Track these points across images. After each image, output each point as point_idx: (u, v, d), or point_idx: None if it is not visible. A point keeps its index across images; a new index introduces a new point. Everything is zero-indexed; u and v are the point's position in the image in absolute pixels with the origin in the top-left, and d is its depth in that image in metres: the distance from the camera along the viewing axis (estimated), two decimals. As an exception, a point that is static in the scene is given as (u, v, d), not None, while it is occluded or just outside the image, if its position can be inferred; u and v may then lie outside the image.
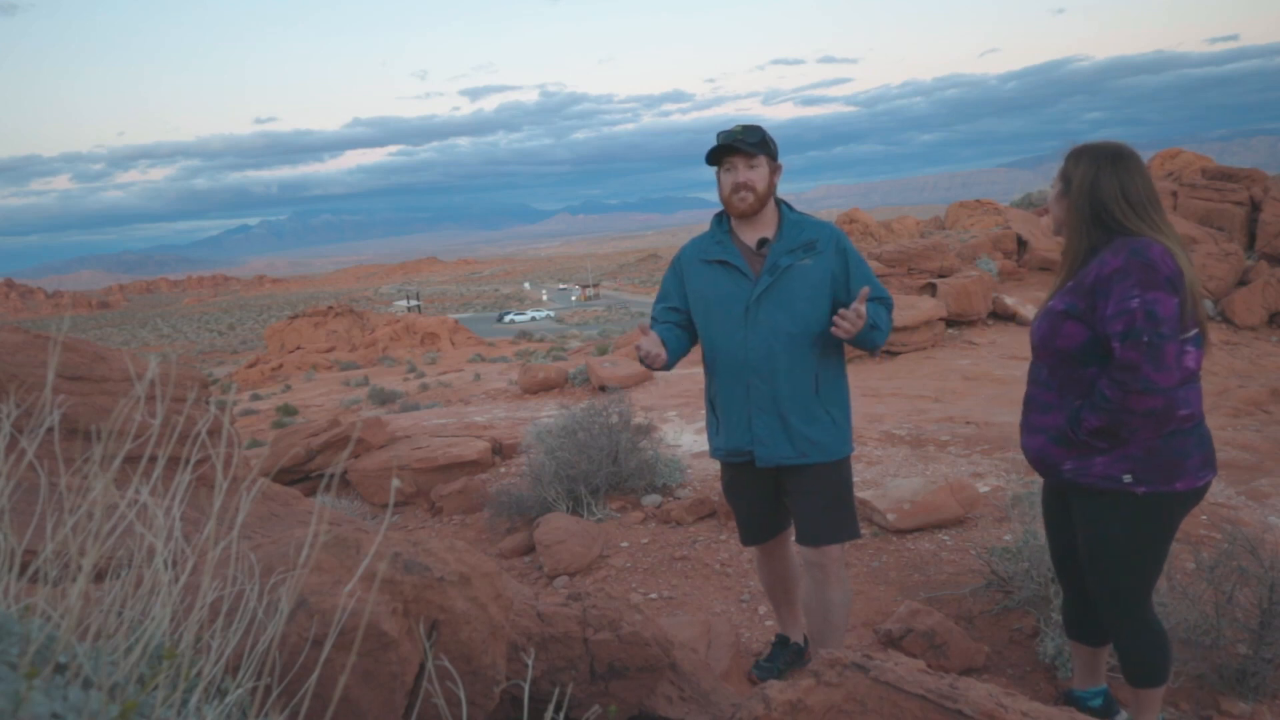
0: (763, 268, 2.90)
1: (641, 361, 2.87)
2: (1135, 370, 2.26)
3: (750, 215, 2.93)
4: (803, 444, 2.91)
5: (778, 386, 2.89)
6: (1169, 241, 2.35)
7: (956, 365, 10.92)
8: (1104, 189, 2.41)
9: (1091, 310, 2.38)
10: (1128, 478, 2.41)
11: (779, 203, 3.00)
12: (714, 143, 2.91)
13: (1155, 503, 2.42)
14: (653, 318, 3.12)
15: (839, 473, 3.00)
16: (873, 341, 2.87)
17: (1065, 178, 2.51)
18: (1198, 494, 2.47)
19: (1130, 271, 2.29)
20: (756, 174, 2.88)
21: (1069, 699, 2.91)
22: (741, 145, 2.84)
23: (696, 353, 3.14)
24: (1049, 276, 15.04)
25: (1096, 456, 2.44)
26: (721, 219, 3.05)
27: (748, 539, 3.28)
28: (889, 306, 2.98)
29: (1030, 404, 2.63)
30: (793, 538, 3.18)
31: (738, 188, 2.87)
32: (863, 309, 2.72)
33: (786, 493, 3.05)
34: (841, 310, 2.74)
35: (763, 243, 2.95)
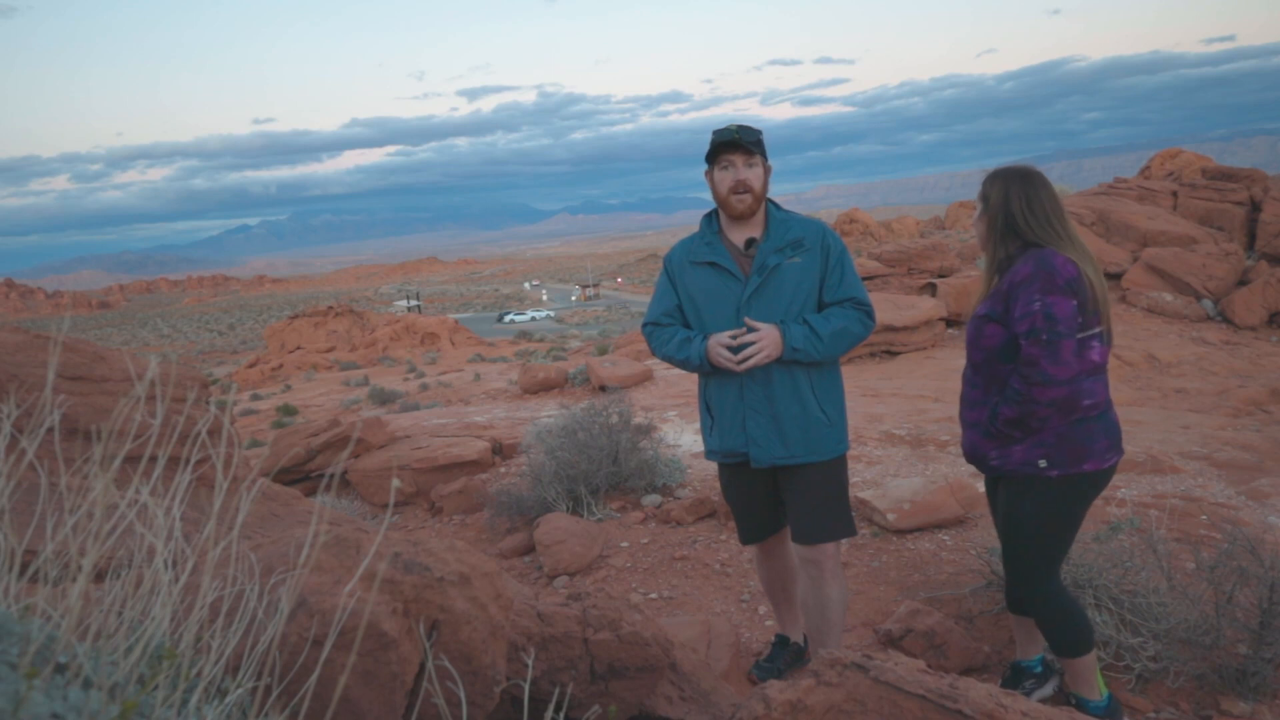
0: (751, 268, 2.89)
1: (721, 362, 2.88)
2: (1035, 365, 2.55)
3: (748, 216, 2.91)
4: (797, 444, 2.90)
5: (771, 387, 2.88)
6: (1072, 251, 2.63)
7: (956, 365, 10.91)
8: (1013, 205, 2.70)
9: (1007, 313, 2.64)
10: (1043, 463, 2.67)
11: (767, 202, 2.99)
12: (711, 145, 2.90)
13: (1067, 484, 2.68)
14: (655, 322, 3.10)
15: (835, 471, 2.99)
16: (810, 355, 2.84)
17: (983, 198, 2.76)
18: (1106, 475, 2.73)
19: (1035, 278, 2.56)
20: (754, 173, 2.87)
21: (1015, 669, 3.17)
22: (743, 142, 2.83)
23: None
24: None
25: (1015, 446, 2.70)
26: (711, 219, 3.03)
27: (746, 537, 3.29)
28: (866, 310, 2.91)
29: (963, 401, 2.89)
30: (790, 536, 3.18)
31: (737, 186, 2.86)
32: (760, 332, 2.79)
33: (783, 490, 3.05)
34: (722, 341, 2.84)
35: (750, 243, 2.93)
